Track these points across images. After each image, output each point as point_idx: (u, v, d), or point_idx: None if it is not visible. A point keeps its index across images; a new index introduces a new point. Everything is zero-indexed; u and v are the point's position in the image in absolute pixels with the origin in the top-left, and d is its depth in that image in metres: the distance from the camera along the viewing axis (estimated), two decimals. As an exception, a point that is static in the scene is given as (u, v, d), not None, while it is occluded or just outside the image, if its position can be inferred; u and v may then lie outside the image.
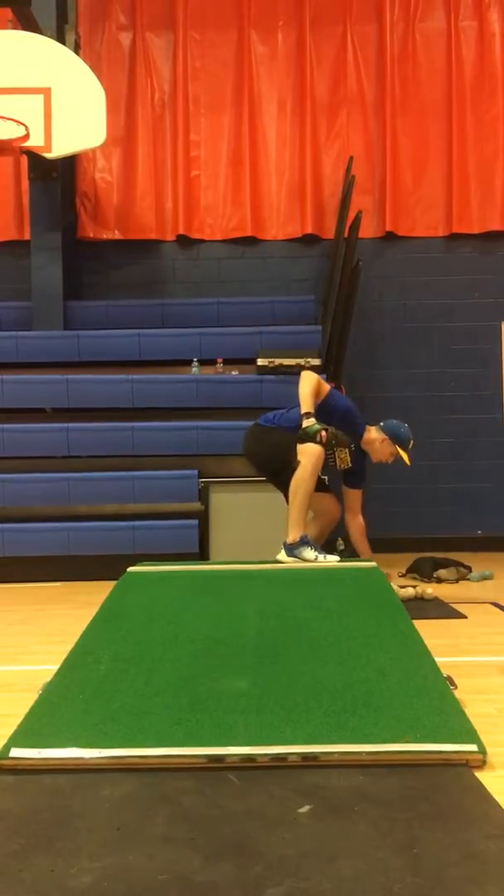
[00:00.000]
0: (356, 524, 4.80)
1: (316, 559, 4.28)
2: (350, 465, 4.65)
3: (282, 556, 4.35)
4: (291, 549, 4.30)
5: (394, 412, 6.71)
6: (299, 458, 4.29)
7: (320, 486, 4.57)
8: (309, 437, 4.26)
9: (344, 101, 6.83)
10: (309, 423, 4.29)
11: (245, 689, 2.69)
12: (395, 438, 4.70)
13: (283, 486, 4.43)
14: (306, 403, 4.34)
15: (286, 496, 4.42)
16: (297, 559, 4.27)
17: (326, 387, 4.49)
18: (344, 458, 4.61)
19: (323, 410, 4.41)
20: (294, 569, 4.52)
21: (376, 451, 4.71)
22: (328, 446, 4.35)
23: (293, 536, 4.31)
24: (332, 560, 4.30)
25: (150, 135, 6.85)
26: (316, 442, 4.24)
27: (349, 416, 4.59)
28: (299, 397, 4.34)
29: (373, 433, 4.70)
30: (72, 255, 6.63)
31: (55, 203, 6.35)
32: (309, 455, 4.27)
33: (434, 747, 2.23)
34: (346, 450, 4.57)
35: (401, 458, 4.72)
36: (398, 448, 4.68)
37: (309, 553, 4.29)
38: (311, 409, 4.33)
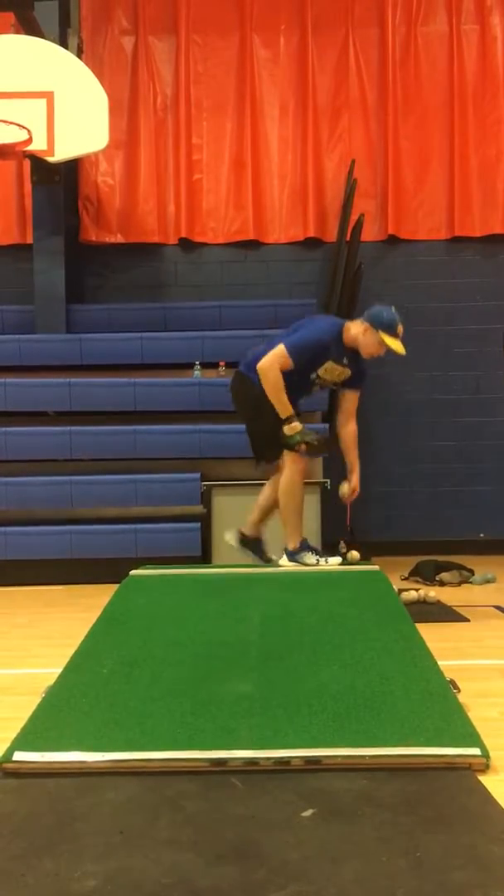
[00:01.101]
0: (349, 430, 4.40)
1: (318, 563, 4.24)
2: (349, 374, 4.24)
3: (283, 561, 4.29)
4: (293, 555, 4.24)
5: (396, 415, 6.77)
6: (287, 463, 4.16)
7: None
8: (288, 445, 4.08)
9: (346, 104, 6.83)
10: (291, 430, 4.04)
11: (248, 693, 2.69)
12: (378, 324, 4.05)
13: (252, 442, 4.28)
14: (283, 408, 4.02)
15: (254, 450, 4.30)
16: (298, 564, 4.23)
17: (289, 362, 4.01)
18: (340, 372, 4.18)
19: (299, 365, 4.04)
20: (296, 572, 4.51)
21: (363, 346, 4.12)
22: (308, 453, 4.14)
23: (293, 543, 4.24)
24: (333, 563, 4.26)
25: (153, 138, 6.86)
26: (294, 451, 4.08)
27: (321, 344, 4.10)
28: (273, 400, 4.00)
29: (354, 327, 4.13)
30: (74, 258, 6.64)
31: (58, 207, 6.36)
32: (292, 459, 4.14)
33: (437, 751, 2.23)
34: (340, 364, 4.15)
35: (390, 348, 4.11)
36: (383, 335, 4.04)
37: (310, 558, 4.25)
38: (291, 412, 4.02)
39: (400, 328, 4.09)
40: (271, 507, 4.39)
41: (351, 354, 4.16)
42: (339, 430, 4.42)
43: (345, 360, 4.15)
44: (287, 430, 4.03)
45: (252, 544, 4.43)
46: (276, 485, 4.30)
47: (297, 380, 4.10)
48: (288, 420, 4.03)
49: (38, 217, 6.38)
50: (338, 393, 4.52)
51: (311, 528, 5.64)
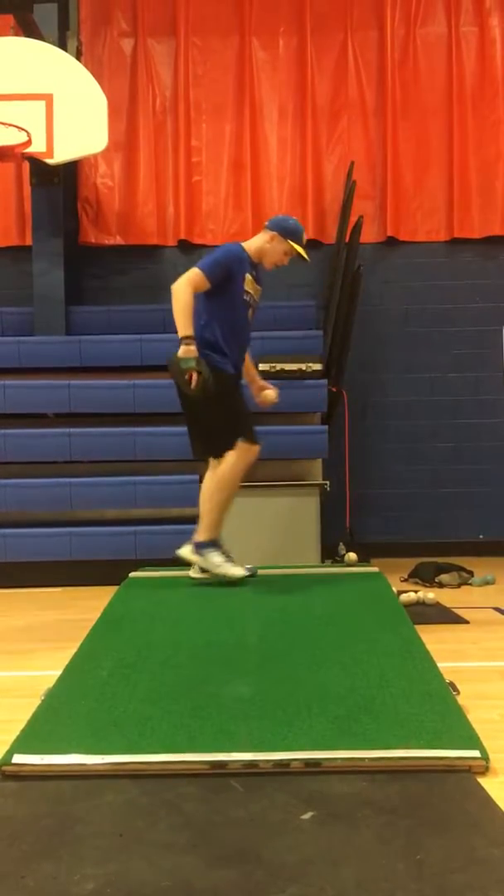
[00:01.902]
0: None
1: (219, 567, 3.96)
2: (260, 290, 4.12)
3: (185, 551, 4.04)
4: (200, 548, 3.99)
5: (395, 416, 6.77)
6: (230, 454, 3.90)
7: (251, 439, 4.04)
8: (177, 369, 3.76)
9: (345, 106, 6.84)
10: (186, 353, 3.74)
11: (247, 695, 2.69)
12: (286, 232, 4.00)
13: (202, 434, 4.04)
14: (183, 325, 3.78)
15: (204, 444, 4.07)
16: (199, 558, 3.98)
17: (205, 281, 3.85)
18: (257, 289, 4.05)
19: (225, 287, 3.90)
20: (296, 574, 4.52)
21: (269, 255, 4.02)
22: (197, 390, 3.77)
23: (205, 536, 3.98)
24: (233, 575, 3.96)
25: (152, 140, 6.86)
26: (184, 379, 3.75)
27: (234, 254, 3.96)
28: (176, 317, 3.80)
29: (256, 240, 4.04)
30: (73, 260, 6.64)
31: (57, 209, 6.36)
32: (242, 453, 3.92)
33: (437, 753, 2.22)
34: (254, 279, 4.00)
35: (298, 255, 4.04)
36: (291, 242, 3.99)
37: (216, 557, 3.98)
38: (190, 332, 3.78)
39: (304, 236, 4.11)
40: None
41: (255, 271, 4.05)
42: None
43: (255, 274, 4.03)
44: (183, 351, 3.76)
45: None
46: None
47: (232, 309, 3.94)
48: (186, 340, 3.78)
49: (37, 219, 6.38)
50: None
51: (311, 530, 5.66)
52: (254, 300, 4.06)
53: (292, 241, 4.01)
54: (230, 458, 3.94)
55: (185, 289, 3.82)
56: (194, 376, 3.73)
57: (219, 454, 3.96)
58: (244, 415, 4.05)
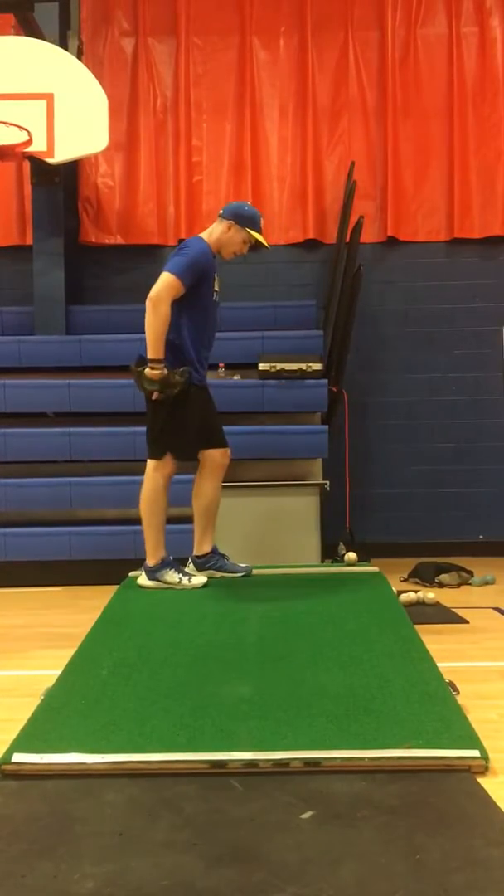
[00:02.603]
0: None
1: (180, 582, 3.95)
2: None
3: (142, 579, 4.02)
4: (153, 573, 3.97)
5: (395, 417, 6.77)
6: (148, 470, 3.93)
7: (215, 443, 4.08)
8: (139, 383, 3.78)
9: (345, 106, 6.84)
10: (152, 376, 3.72)
11: (247, 695, 2.69)
12: (242, 220, 3.92)
13: (178, 439, 3.97)
14: (155, 345, 3.73)
15: (181, 448, 4.02)
16: (158, 582, 3.97)
17: (180, 286, 3.77)
18: (218, 281, 4.02)
19: (198, 289, 3.84)
20: (296, 574, 4.52)
21: (227, 245, 3.94)
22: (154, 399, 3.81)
23: (153, 559, 3.97)
24: (197, 583, 3.97)
25: (153, 140, 6.86)
26: (146, 390, 3.79)
27: (205, 254, 3.87)
28: (148, 338, 3.77)
29: (214, 231, 3.94)
30: (74, 259, 6.64)
31: (57, 208, 6.36)
32: (160, 468, 3.92)
33: (436, 753, 2.23)
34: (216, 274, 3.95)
35: (258, 243, 3.98)
36: (248, 231, 3.92)
37: (172, 576, 3.96)
38: (161, 355, 3.74)
39: (262, 221, 4.01)
40: (204, 514, 4.15)
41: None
42: None
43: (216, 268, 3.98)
44: (150, 374, 3.74)
45: (211, 561, 4.14)
46: (199, 490, 4.12)
47: (202, 309, 3.88)
48: (154, 364, 3.74)
49: (37, 218, 6.38)
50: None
51: (311, 530, 5.66)
52: (218, 294, 4.03)
53: (250, 228, 3.93)
54: (147, 474, 3.95)
55: (165, 301, 3.74)
56: (156, 394, 3.80)
57: (147, 457, 3.98)
58: (184, 429, 3.94)
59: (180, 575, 3.99)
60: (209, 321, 3.97)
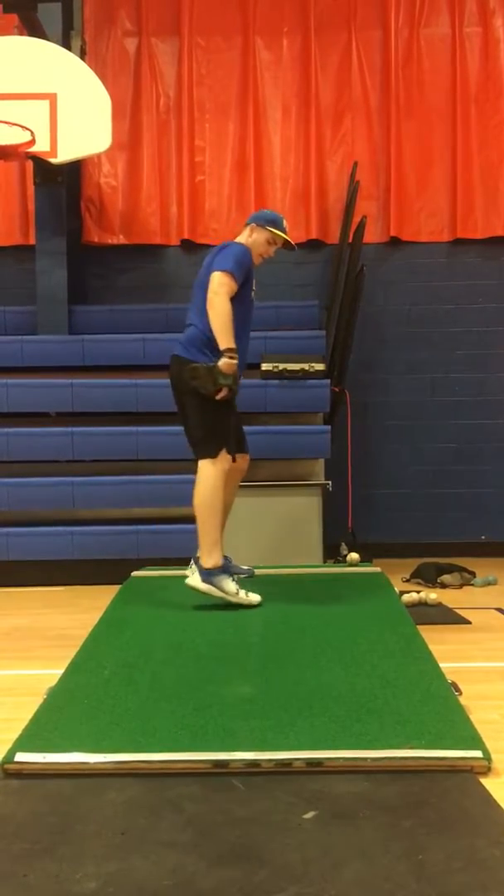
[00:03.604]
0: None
1: (237, 594, 3.76)
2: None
3: (194, 580, 3.81)
4: (209, 576, 3.77)
5: (398, 417, 6.77)
6: (204, 466, 3.82)
7: (241, 448, 4.08)
8: (209, 379, 3.66)
9: (348, 106, 6.83)
10: (228, 367, 3.65)
11: (249, 695, 2.69)
12: (265, 221, 4.01)
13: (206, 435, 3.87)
14: (227, 336, 3.69)
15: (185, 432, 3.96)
16: (213, 588, 3.76)
17: (235, 283, 3.78)
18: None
19: (241, 287, 3.84)
20: (298, 574, 4.52)
21: (254, 248, 3.98)
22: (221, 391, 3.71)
23: (212, 561, 3.78)
24: (254, 599, 3.78)
25: (155, 140, 6.86)
26: (213, 392, 3.68)
27: (247, 254, 3.91)
28: (218, 329, 3.70)
29: (242, 236, 4.03)
30: (77, 259, 6.64)
31: (60, 208, 6.36)
32: (218, 464, 3.81)
33: (439, 753, 2.23)
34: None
35: (284, 241, 4.03)
36: (270, 230, 3.97)
37: (230, 585, 3.77)
38: (234, 344, 3.69)
39: (286, 223, 4.07)
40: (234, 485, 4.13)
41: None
42: None
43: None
44: (224, 365, 3.65)
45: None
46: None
47: (244, 308, 3.88)
48: (230, 353, 3.67)
49: (40, 218, 6.38)
50: None
51: (313, 530, 5.66)
52: (255, 297, 4.09)
53: (272, 227, 3.99)
54: (203, 472, 3.84)
55: (224, 299, 3.73)
56: (224, 391, 3.68)
57: (198, 457, 3.88)
58: (231, 427, 3.93)
59: (238, 587, 3.78)
60: (248, 321, 3.97)
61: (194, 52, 6.82)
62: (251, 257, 3.94)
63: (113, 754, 2.26)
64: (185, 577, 3.91)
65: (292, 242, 4.10)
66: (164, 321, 6.32)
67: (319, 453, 5.84)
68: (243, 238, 4.04)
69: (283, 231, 4.03)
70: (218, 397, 3.72)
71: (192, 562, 4.07)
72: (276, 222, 4.03)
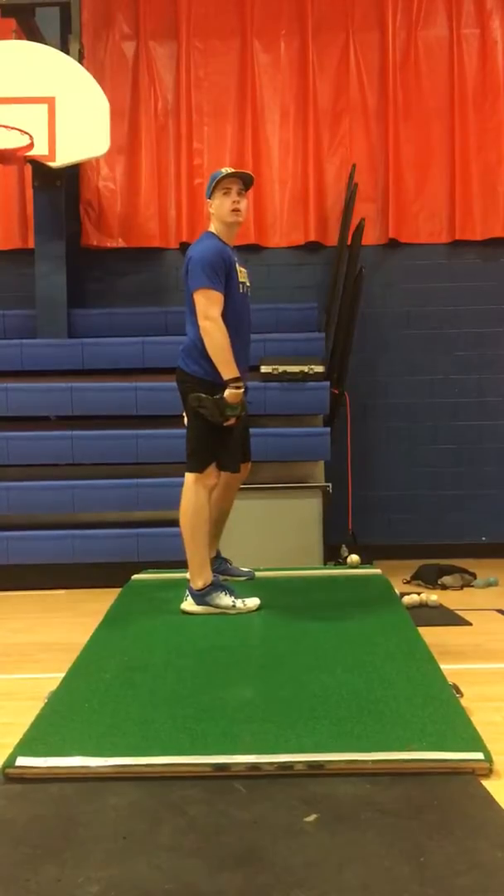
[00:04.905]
0: None
1: (234, 605, 3.66)
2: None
3: (188, 605, 3.71)
4: (202, 597, 3.67)
5: (397, 419, 6.77)
6: (189, 482, 3.68)
7: (247, 454, 3.95)
8: (217, 410, 3.54)
9: (346, 109, 6.84)
10: (234, 397, 3.53)
11: (250, 698, 2.69)
12: (210, 189, 3.75)
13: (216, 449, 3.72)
14: (227, 365, 3.53)
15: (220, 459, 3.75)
16: (209, 607, 3.67)
17: (220, 296, 3.59)
18: (244, 272, 3.82)
19: (227, 288, 3.64)
20: (299, 576, 4.52)
21: (222, 217, 3.73)
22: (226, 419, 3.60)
23: (201, 581, 3.68)
24: (252, 605, 3.71)
25: (154, 143, 6.86)
26: (221, 421, 3.57)
27: (218, 249, 3.66)
28: (217, 361, 3.55)
29: (211, 216, 3.80)
30: (76, 263, 6.64)
31: (59, 212, 6.36)
32: (202, 480, 3.66)
33: (440, 756, 2.22)
34: (239, 263, 3.76)
35: (232, 176, 3.72)
36: (216, 183, 3.71)
37: (224, 599, 3.67)
38: (237, 373, 3.55)
39: (225, 168, 3.78)
40: (216, 522, 4.01)
41: (235, 254, 3.79)
42: None
43: (237, 257, 3.78)
44: (230, 395, 3.52)
45: (214, 565, 3.91)
46: (215, 497, 3.88)
47: (231, 306, 3.65)
48: (234, 384, 3.53)
49: (39, 222, 6.38)
50: None
51: (313, 532, 5.66)
52: (246, 286, 3.82)
53: (214, 185, 3.71)
54: (187, 488, 3.71)
55: (217, 323, 3.54)
56: (234, 422, 3.61)
57: (186, 469, 3.75)
58: (227, 441, 3.73)
59: (233, 597, 3.69)
60: (242, 318, 3.75)
61: (192, 56, 6.83)
62: (219, 250, 3.66)
63: (114, 758, 2.25)
64: (186, 579, 3.90)
65: (236, 170, 3.77)
66: (164, 324, 6.32)
67: (319, 455, 5.83)
68: (211, 218, 3.79)
69: (221, 174, 3.70)
70: (226, 424, 3.61)
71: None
72: (214, 178, 3.73)
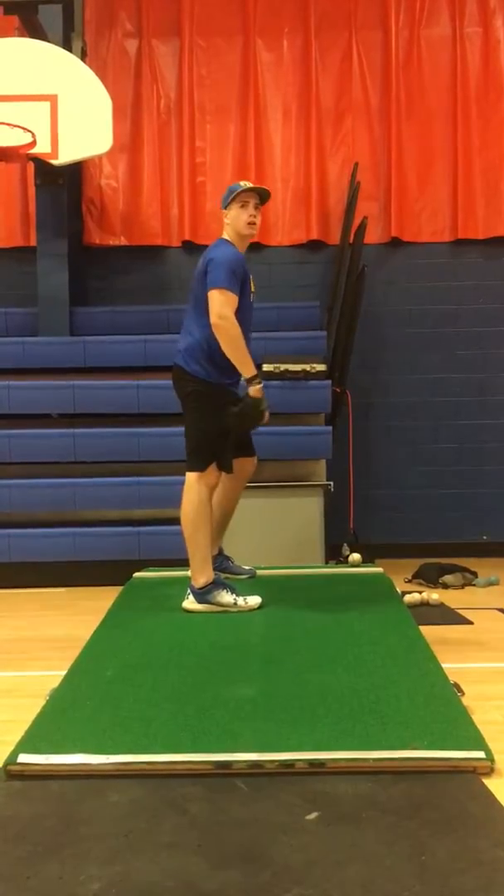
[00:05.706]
0: None
1: (235, 603, 3.69)
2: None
3: (189, 603, 3.73)
4: (204, 595, 3.69)
5: (399, 417, 6.77)
6: (190, 481, 3.73)
7: (246, 451, 3.99)
8: (254, 412, 3.66)
9: (349, 107, 6.83)
10: (258, 392, 3.64)
11: (251, 696, 2.69)
12: (225, 200, 3.81)
13: (206, 446, 3.77)
14: (246, 363, 3.62)
15: (208, 457, 3.77)
16: (211, 605, 3.69)
17: (235, 298, 3.65)
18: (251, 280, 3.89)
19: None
20: (300, 575, 4.52)
21: (238, 228, 3.77)
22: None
23: (203, 579, 3.69)
24: (254, 602, 3.73)
25: (156, 141, 6.86)
26: (263, 422, 3.71)
27: (237, 257, 3.74)
28: (234, 359, 3.62)
29: (225, 229, 3.84)
30: (78, 261, 6.64)
31: (61, 209, 6.36)
32: (203, 479, 3.70)
33: (441, 754, 2.23)
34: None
35: (251, 191, 3.78)
36: (232, 200, 3.77)
37: (226, 597, 3.69)
38: (255, 370, 3.65)
39: (245, 182, 3.83)
40: (220, 520, 4.05)
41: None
42: None
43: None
44: (253, 392, 3.64)
45: (216, 563, 3.93)
46: (222, 496, 3.96)
47: (243, 311, 3.73)
48: (255, 381, 3.63)
49: (41, 220, 6.38)
50: None
51: (315, 531, 5.66)
52: (253, 293, 3.92)
53: (231, 197, 3.76)
54: (188, 487, 3.74)
55: (232, 322, 3.60)
56: (268, 417, 3.76)
57: (187, 468, 3.79)
58: (227, 440, 3.78)
59: (234, 595, 3.71)
60: (248, 323, 3.82)
61: (195, 54, 6.82)
62: (240, 257, 3.75)
63: (116, 756, 2.26)
64: (187, 577, 3.90)
65: (255, 185, 3.85)
66: (166, 322, 6.32)
67: (321, 454, 5.83)
68: (226, 228, 3.83)
69: (240, 188, 3.77)
70: (266, 421, 3.78)
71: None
72: (233, 191, 3.79)
